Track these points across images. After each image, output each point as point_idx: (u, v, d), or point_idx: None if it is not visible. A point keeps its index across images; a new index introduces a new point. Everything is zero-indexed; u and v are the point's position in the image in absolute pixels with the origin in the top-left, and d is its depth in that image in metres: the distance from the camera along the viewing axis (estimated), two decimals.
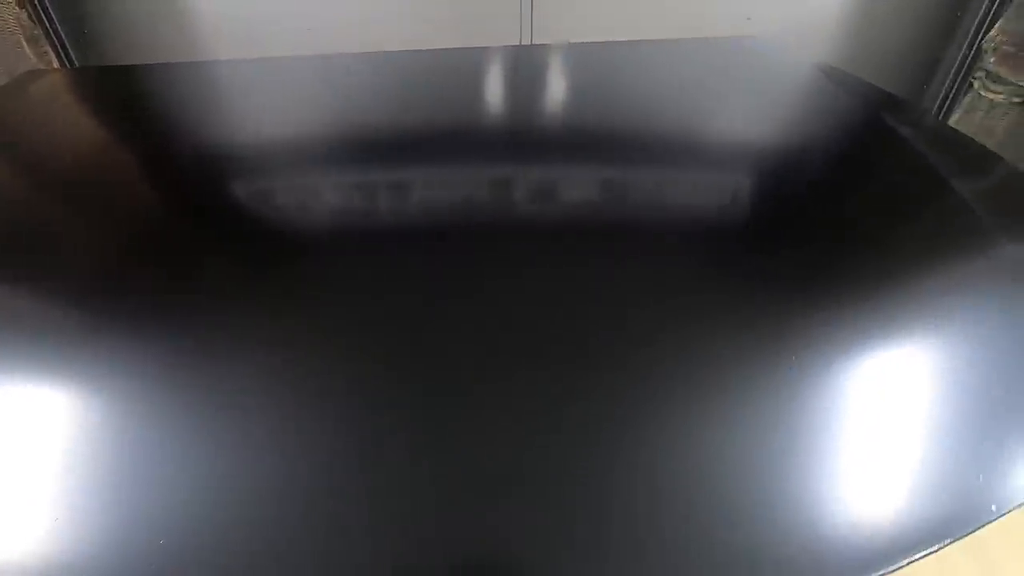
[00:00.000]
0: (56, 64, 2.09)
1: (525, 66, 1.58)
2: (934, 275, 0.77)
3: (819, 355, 0.65)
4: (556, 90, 1.44)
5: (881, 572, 0.47)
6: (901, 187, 0.99)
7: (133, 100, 1.42)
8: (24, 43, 1.97)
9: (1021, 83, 2.00)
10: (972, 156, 1.07)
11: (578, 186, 0.99)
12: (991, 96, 2.11)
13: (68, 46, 2.13)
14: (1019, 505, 0.51)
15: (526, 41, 2.36)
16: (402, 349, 0.66)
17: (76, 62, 2.18)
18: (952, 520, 0.50)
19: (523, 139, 1.17)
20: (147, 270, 0.80)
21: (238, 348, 0.66)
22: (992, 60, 2.12)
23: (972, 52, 2.18)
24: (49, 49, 2.06)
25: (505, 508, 0.51)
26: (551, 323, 0.69)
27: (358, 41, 2.23)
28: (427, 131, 1.17)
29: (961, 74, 2.23)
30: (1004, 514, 0.51)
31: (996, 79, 2.09)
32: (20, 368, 0.64)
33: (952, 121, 2.24)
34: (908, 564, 0.47)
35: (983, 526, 0.50)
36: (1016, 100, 2.02)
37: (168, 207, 0.98)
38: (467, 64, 1.55)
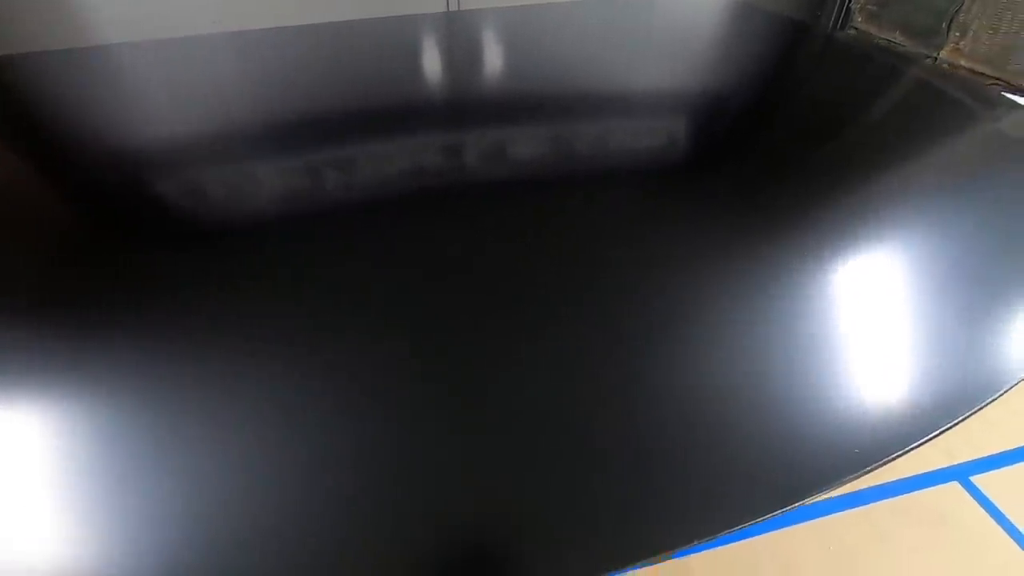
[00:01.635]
0: None
1: (459, 31, 1.61)
2: (891, 174, 0.91)
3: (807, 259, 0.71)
4: (492, 52, 1.50)
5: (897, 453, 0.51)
6: (842, 93, 1.16)
7: (44, 90, 1.28)
8: None
9: (886, 36, 2.40)
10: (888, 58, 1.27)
11: (535, 141, 1.04)
12: None
13: None
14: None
15: (454, 8, 2.36)
16: (398, 315, 0.66)
17: None
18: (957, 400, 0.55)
19: (472, 102, 1.22)
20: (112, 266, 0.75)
21: (220, 341, 0.64)
22: (860, 19, 2.51)
23: (842, 13, 2.56)
24: None
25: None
26: (544, 273, 0.72)
27: (277, 15, 2.09)
28: (373, 102, 1.17)
29: (834, 32, 2.60)
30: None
31: (865, 36, 2.48)
32: None
33: None
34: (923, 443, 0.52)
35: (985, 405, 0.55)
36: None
37: (106, 202, 0.91)
38: (399, 32, 1.54)
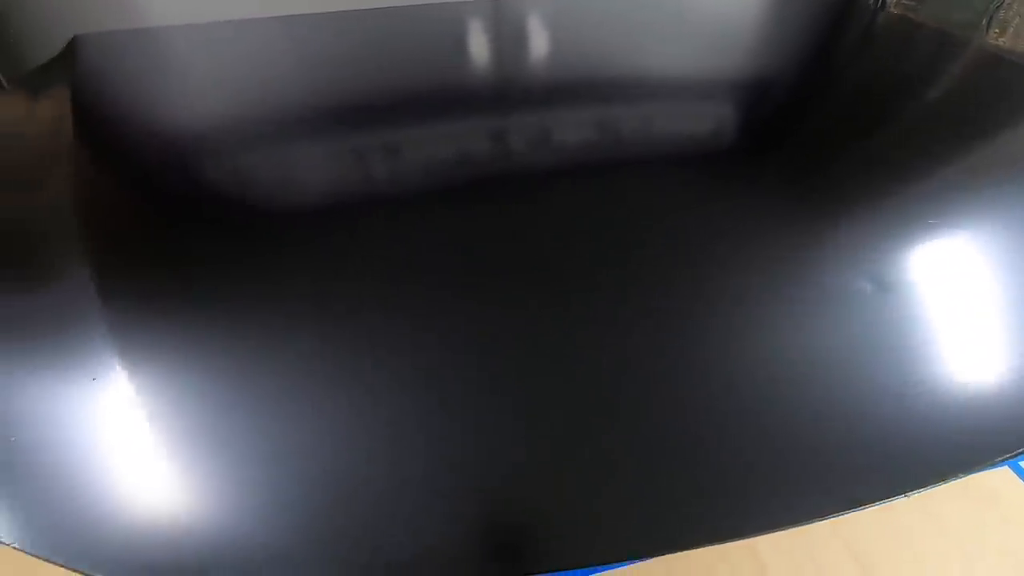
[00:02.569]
0: None
1: (507, 17, 1.60)
2: (954, 169, 0.92)
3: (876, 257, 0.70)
4: (540, 38, 1.51)
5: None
6: (896, 77, 1.16)
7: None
8: None
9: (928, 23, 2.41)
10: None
11: (585, 127, 1.06)
12: None
13: None
14: None
15: None
16: (464, 298, 0.67)
17: None
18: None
19: (520, 88, 1.24)
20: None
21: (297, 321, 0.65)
22: (894, 10, 2.51)
23: (879, 6, 2.56)
24: None
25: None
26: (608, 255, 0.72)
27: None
28: (431, 87, 1.17)
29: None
30: None
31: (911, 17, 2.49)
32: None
33: None
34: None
35: None
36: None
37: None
38: (448, 18, 1.55)
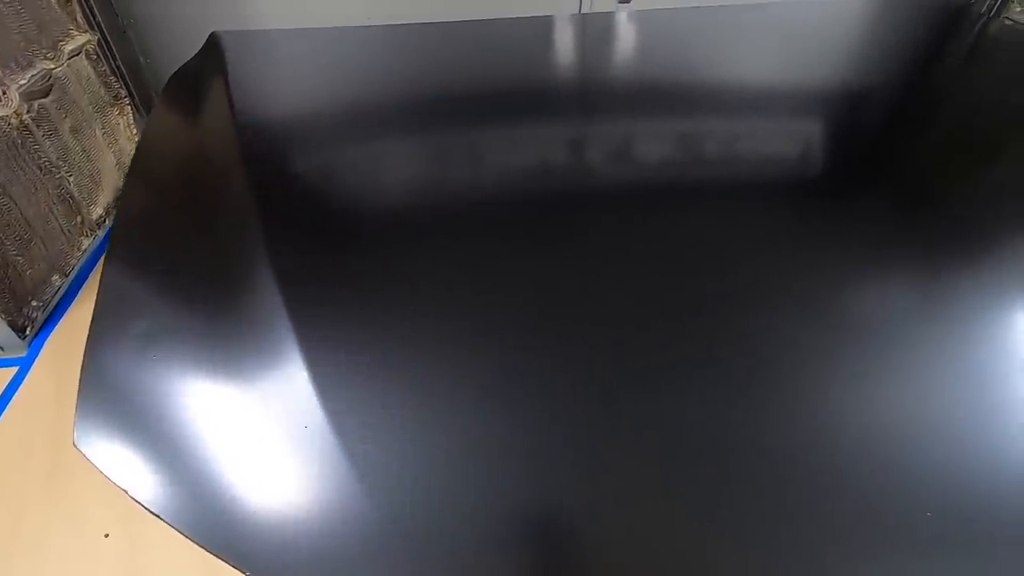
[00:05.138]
0: (80, 16, 1.85)
1: (592, 32, 1.60)
2: None
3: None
4: (625, 54, 1.49)
5: None
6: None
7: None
8: None
9: None
10: None
11: (673, 145, 1.04)
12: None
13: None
14: None
15: (586, 8, 2.31)
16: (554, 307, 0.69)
17: (98, 12, 1.94)
18: None
19: (606, 105, 1.22)
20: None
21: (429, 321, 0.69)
22: (1018, 9, 2.28)
23: (998, 1, 2.33)
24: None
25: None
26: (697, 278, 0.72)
27: (421, 13, 2.15)
28: (524, 99, 1.19)
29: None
30: None
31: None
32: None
33: None
34: None
35: None
36: None
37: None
38: (536, 33, 1.55)
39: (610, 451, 0.57)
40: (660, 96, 1.20)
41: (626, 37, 1.58)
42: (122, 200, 0.93)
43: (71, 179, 1.81)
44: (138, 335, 0.67)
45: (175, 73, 1.27)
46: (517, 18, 1.61)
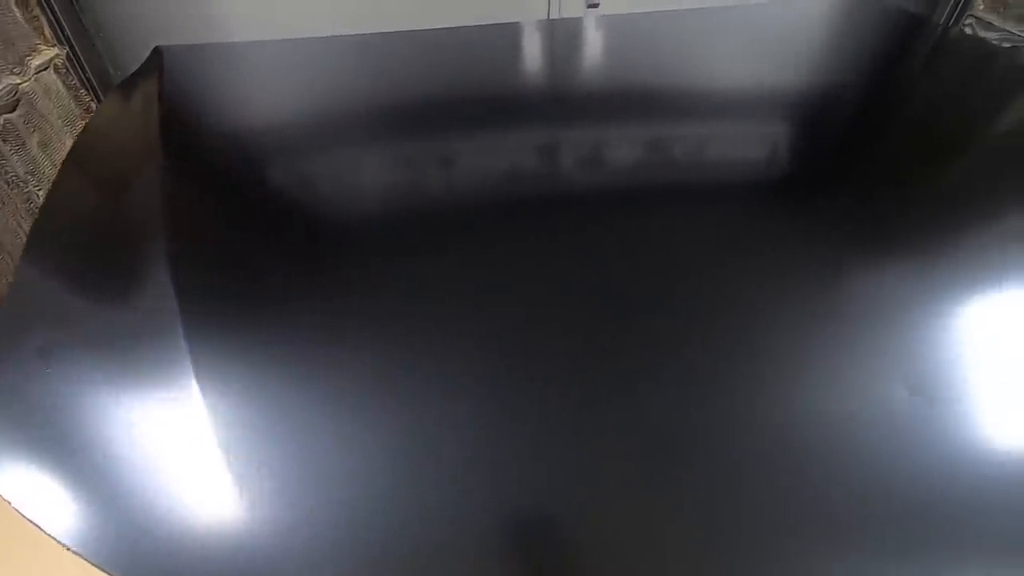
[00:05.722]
0: (48, 30, 1.86)
1: (561, 38, 1.61)
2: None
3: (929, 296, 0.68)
4: (595, 60, 1.50)
5: None
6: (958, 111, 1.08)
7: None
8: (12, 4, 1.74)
9: (1009, 28, 2.21)
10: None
11: (640, 150, 1.05)
12: None
13: (58, 10, 1.90)
14: None
15: (555, 14, 2.32)
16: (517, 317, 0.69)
17: (66, 26, 1.95)
18: None
19: (575, 110, 1.23)
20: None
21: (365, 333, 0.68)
22: (981, 7, 2.31)
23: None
24: (39, 12, 1.82)
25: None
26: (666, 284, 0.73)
27: (388, 22, 2.16)
28: (488, 107, 1.20)
29: (952, 20, 2.42)
30: None
31: (986, 25, 2.29)
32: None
33: None
34: None
35: None
36: (1005, 45, 2.23)
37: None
38: (505, 39, 1.56)
39: (578, 454, 0.57)
40: (630, 100, 1.21)
41: (594, 42, 1.59)
42: (40, 212, 0.92)
43: (40, 193, 1.80)
44: (36, 347, 0.65)
45: (117, 85, 1.27)
46: (484, 25, 1.61)
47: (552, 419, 0.59)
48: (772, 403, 0.60)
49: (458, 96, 1.24)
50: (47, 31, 1.86)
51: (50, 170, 1.84)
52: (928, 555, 0.50)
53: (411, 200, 0.95)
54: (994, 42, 2.28)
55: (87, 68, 2.04)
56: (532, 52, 1.52)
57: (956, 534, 0.51)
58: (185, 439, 0.59)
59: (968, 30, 2.37)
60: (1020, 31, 2.18)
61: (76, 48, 1.98)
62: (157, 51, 1.39)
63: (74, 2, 1.95)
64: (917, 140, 1.03)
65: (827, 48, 1.46)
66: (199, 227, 0.87)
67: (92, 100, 2.04)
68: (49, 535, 0.50)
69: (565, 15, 2.28)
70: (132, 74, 1.34)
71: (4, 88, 1.67)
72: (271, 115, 1.21)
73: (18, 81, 1.72)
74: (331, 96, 1.27)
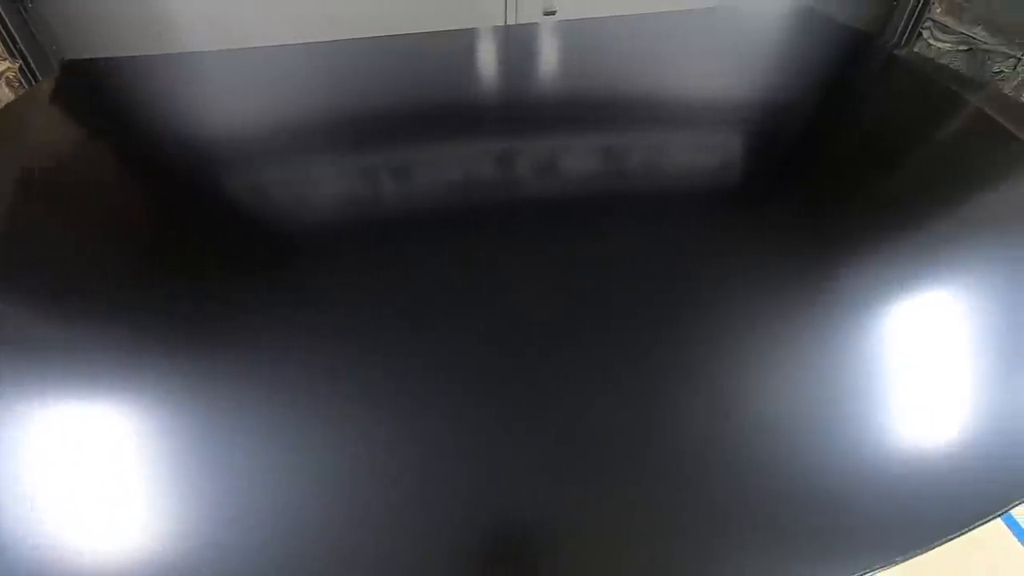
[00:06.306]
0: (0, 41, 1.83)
1: (518, 44, 1.61)
2: (950, 218, 0.87)
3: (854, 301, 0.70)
4: (549, 66, 1.50)
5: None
6: (909, 121, 1.11)
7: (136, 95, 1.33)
8: None
9: (965, 31, 2.25)
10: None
11: (600, 157, 1.06)
12: (939, 45, 2.35)
13: (11, 23, 1.88)
14: None
15: (511, 20, 2.33)
16: (450, 330, 0.67)
17: (19, 39, 1.92)
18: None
19: (529, 117, 1.22)
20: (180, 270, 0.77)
21: (267, 342, 0.66)
22: (939, 10, 2.35)
23: (921, 3, 2.40)
24: None
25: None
26: (601, 294, 0.73)
27: (343, 29, 2.16)
28: (438, 114, 1.18)
29: (911, 25, 2.45)
30: None
31: (943, 28, 2.33)
32: (40, 383, 0.62)
33: None
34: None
35: None
36: (962, 48, 2.27)
37: (184, 205, 0.94)
38: (460, 46, 1.55)
39: (526, 460, 0.56)
40: (585, 107, 1.21)
41: (549, 48, 1.60)
42: None
43: None
44: None
45: (18, 97, 1.26)
46: (440, 32, 1.60)
47: (490, 431, 0.58)
48: (707, 409, 0.60)
49: (410, 104, 1.23)
50: (0, 45, 1.84)
51: None
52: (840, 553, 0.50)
53: (350, 211, 0.93)
54: (949, 47, 2.32)
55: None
56: (487, 59, 1.52)
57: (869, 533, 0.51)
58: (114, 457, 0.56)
59: (926, 33, 2.40)
60: (975, 34, 2.21)
61: (30, 61, 1.96)
62: (63, 65, 1.38)
63: (27, 15, 1.93)
64: (854, 152, 1.05)
65: (773, 57, 1.48)
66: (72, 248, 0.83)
67: None
68: None
69: (522, 21, 2.29)
70: (28, 89, 1.33)
71: None
72: (174, 130, 1.17)
73: None
74: (258, 108, 1.25)
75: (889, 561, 0.48)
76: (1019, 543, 1.28)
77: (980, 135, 1.02)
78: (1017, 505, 0.53)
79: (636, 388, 0.61)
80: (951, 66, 2.34)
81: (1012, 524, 1.31)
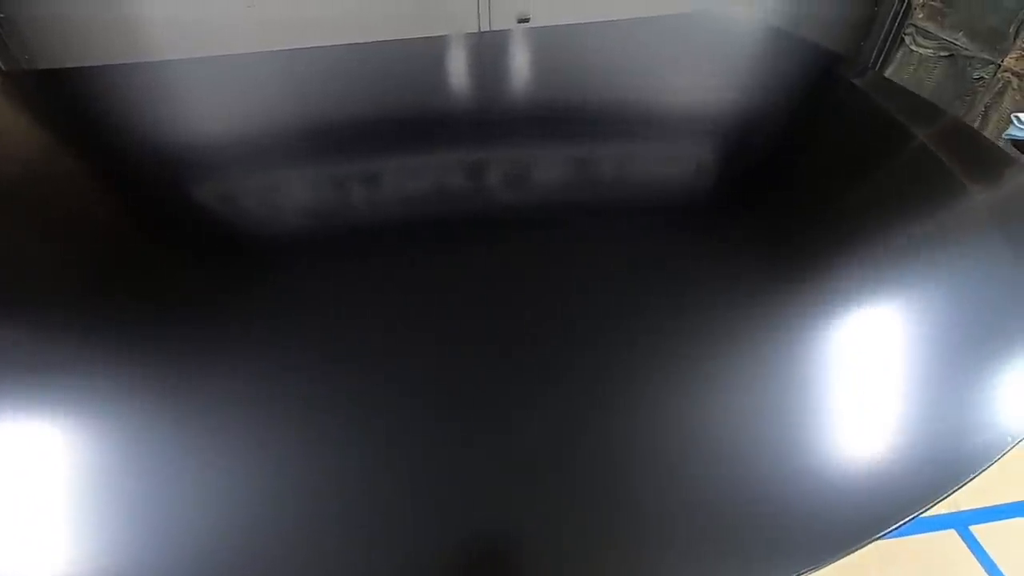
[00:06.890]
0: None
1: (491, 51, 1.59)
2: (908, 229, 0.87)
3: (805, 314, 0.71)
4: (524, 73, 1.48)
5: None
6: (863, 142, 1.10)
7: (93, 103, 1.32)
8: None
9: (946, 37, 2.22)
10: (918, 108, 1.19)
11: (563, 167, 1.04)
12: (921, 51, 2.33)
13: None
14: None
15: (485, 27, 2.32)
16: (408, 341, 0.67)
17: None
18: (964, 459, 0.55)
19: (502, 124, 1.20)
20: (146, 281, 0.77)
21: (236, 355, 0.66)
22: (920, 16, 2.32)
23: (903, 8, 2.37)
24: None
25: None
26: (561, 305, 0.73)
27: (315, 36, 2.17)
28: (409, 122, 1.17)
29: (893, 30, 2.43)
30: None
31: (925, 34, 2.30)
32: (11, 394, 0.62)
33: (886, 75, 2.45)
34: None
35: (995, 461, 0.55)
36: (943, 54, 2.24)
37: (147, 215, 0.94)
38: (432, 53, 1.54)
39: (466, 478, 0.56)
40: (559, 114, 1.20)
41: (525, 55, 1.58)
42: None
43: None
44: None
45: None
46: (413, 39, 1.59)
47: (455, 446, 0.58)
48: (656, 420, 0.61)
49: (382, 112, 1.21)
50: None
51: None
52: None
53: (317, 220, 0.92)
54: (931, 52, 2.29)
55: None
56: (460, 66, 1.51)
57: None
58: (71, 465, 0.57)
59: (908, 39, 2.37)
60: (956, 40, 2.18)
61: (2, 70, 1.97)
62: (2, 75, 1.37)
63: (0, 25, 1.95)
64: (812, 165, 1.05)
65: (737, 70, 1.47)
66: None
67: None
68: None
69: (495, 28, 2.29)
70: None
71: None
72: (123, 140, 1.14)
73: None
74: (218, 116, 1.24)
75: (820, 562, 0.50)
76: (977, 563, 1.26)
77: (916, 170, 1.02)
78: (939, 503, 0.53)
79: (594, 402, 0.62)
80: (928, 79, 2.31)
81: (971, 543, 1.30)
